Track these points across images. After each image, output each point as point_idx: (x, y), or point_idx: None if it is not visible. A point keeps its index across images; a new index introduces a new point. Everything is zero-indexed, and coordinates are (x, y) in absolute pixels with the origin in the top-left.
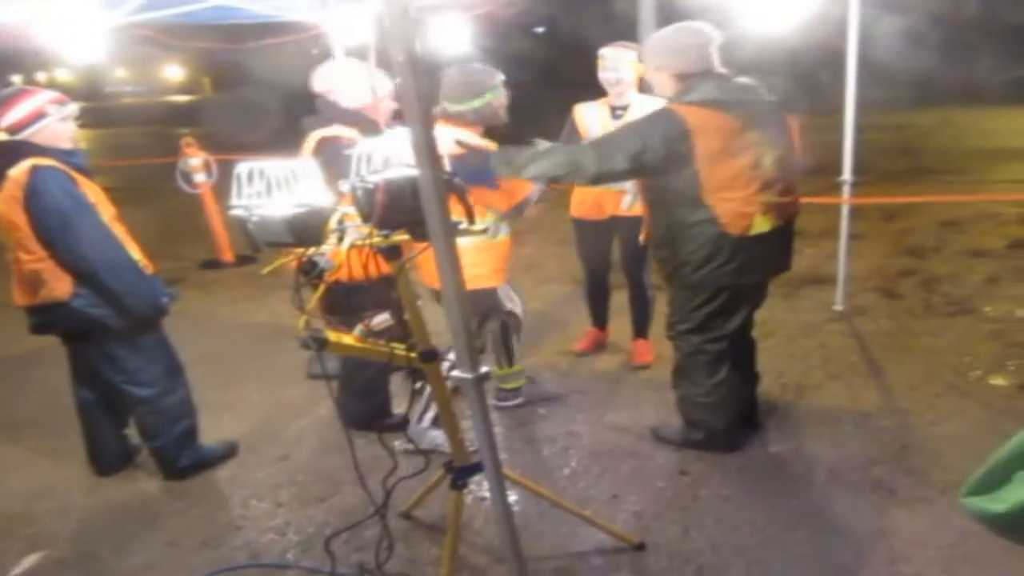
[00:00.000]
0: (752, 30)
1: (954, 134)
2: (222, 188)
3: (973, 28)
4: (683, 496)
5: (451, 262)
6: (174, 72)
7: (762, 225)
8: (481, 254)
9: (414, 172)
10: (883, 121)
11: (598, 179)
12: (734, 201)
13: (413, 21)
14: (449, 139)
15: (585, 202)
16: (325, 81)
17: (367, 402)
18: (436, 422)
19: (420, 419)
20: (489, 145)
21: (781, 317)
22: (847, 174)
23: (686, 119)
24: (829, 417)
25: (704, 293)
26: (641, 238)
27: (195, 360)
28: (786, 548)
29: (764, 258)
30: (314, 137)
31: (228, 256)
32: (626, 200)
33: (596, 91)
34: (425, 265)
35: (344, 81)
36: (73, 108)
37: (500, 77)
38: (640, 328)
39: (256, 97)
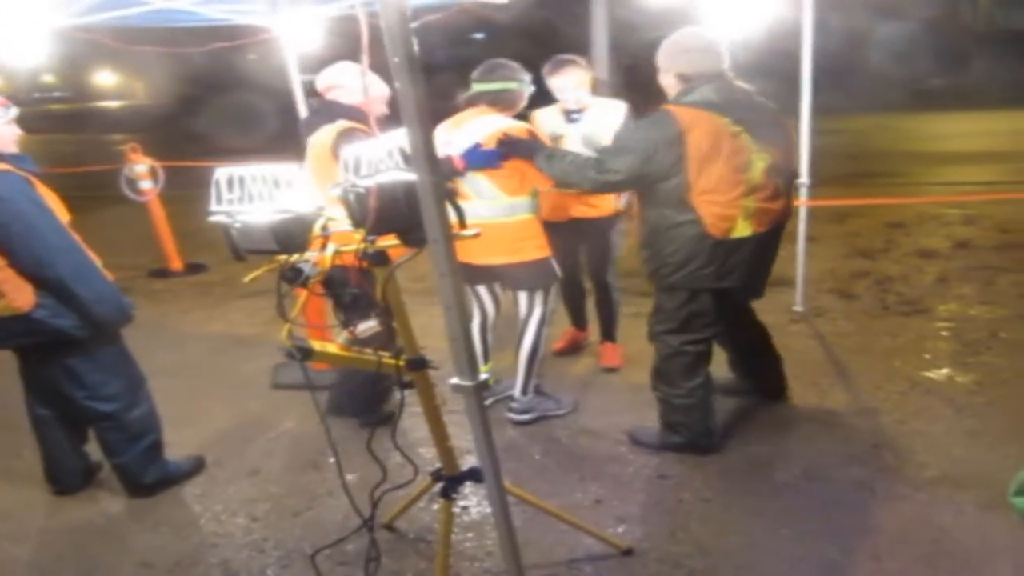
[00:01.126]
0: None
1: (895, 138)
2: (171, 195)
3: (916, 34)
4: (666, 500)
5: (451, 268)
6: (105, 77)
7: (743, 229)
8: (532, 227)
9: (406, 176)
10: (826, 125)
11: (602, 189)
12: (718, 204)
13: (411, 23)
14: (496, 125)
15: (549, 204)
16: (327, 79)
17: (366, 388)
18: (539, 389)
19: (524, 389)
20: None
21: None
22: (804, 177)
23: (680, 119)
24: (801, 418)
25: (683, 294)
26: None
27: (152, 373)
28: (773, 549)
29: (744, 263)
30: (335, 128)
31: (177, 265)
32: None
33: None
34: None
35: (345, 79)
36: (15, 111)
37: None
38: (607, 331)
39: (194, 102)
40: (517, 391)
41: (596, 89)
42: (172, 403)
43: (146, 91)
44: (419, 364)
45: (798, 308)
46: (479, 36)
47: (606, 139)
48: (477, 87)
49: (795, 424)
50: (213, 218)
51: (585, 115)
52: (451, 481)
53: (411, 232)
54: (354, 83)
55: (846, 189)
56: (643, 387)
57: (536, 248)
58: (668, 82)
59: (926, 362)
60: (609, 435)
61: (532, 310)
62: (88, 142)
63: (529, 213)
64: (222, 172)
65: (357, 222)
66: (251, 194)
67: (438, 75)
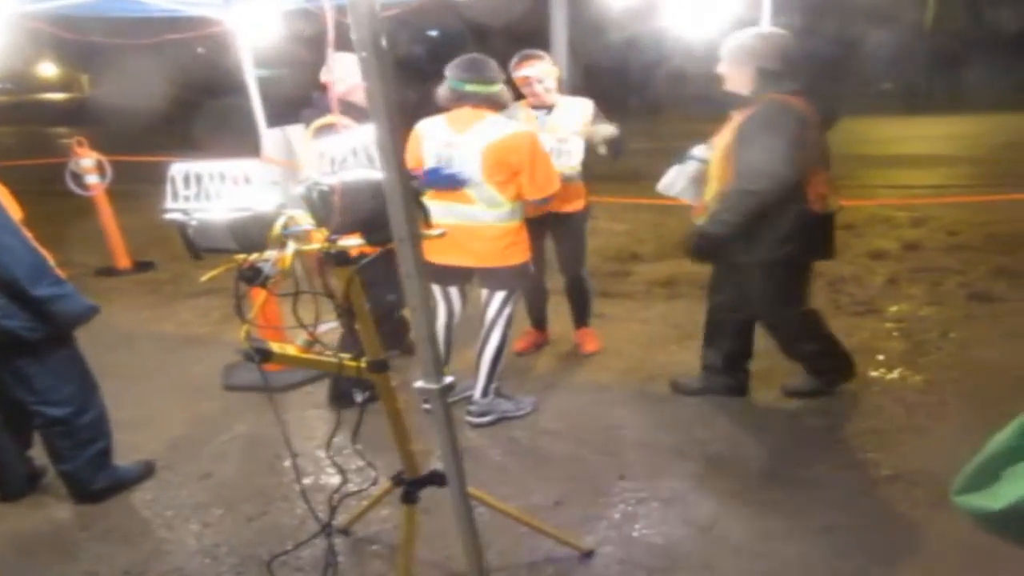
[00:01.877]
0: (667, 34)
1: (846, 141)
2: (118, 190)
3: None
4: (626, 501)
5: (417, 268)
6: (47, 69)
7: (834, 204)
8: (523, 231)
9: (372, 174)
10: None
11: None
12: (819, 183)
13: (381, 18)
14: (505, 130)
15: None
16: (327, 72)
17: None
18: (499, 391)
19: (485, 392)
20: None
21: (700, 319)
22: None
23: (797, 106)
24: (760, 417)
25: (786, 270)
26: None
27: (100, 374)
28: (735, 549)
29: (830, 234)
30: (314, 126)
31: (125, 262)
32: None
33: None
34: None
35: (338, 71)
36: None
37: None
38: (582, 317)
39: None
40: (477, 393)
41: (558, 88)
42: (122, 405)
43: (91, 83)
44: (381, 366)
45: None
46: (432, 33)
47: (574, 136)
48: (471, 87)
49: (754, 424)
50: (168, 216)
51: (553, 112)
52: (413, 485)
53: (376, 231)
54: (341, 74)
55: None
56: (604, 386)
57: (523, 252)
58: (741, 76)
59: (878, 362)
60: (570, 435)
61: (502, 311)
62: (31, 134)
63: (522, 218)
64: (177, 168)
65: (320, 221)
66: (208, 191)
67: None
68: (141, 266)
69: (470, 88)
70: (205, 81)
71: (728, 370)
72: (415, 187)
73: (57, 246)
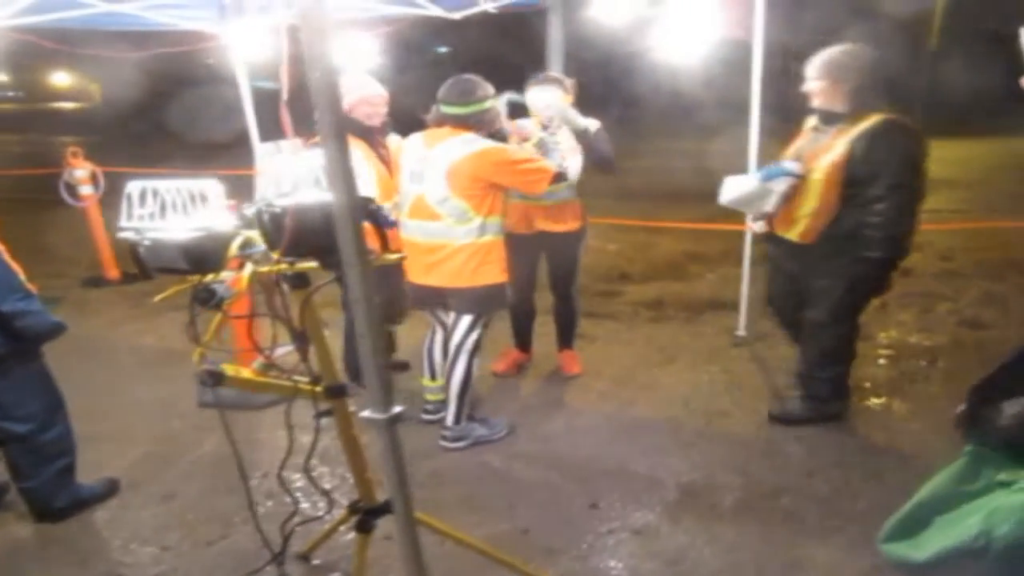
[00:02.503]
0: (662, 56)
1: None
2: (111, 202)
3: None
4: (596, 530)
5: (366, 295)
6: (60, 78)
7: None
8: (491, 250)
9: (326, 197)
10: (768, 151)
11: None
12: None
13: (331, 37)
14: (471, 147)
15: (513, 216)
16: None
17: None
18: (473, 415)
19: (457, 418)
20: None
21: (684, 342)
22: None
23: (911, 124)
24: (737, 444)
25: (882, 266)
26: (804, 239)
27: (74, 388)
28: None
29: None
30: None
31: (113, 273)
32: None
33: None
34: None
35: (343, 86)
36: None
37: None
38: (567, 338)
39: (152, 106)
40: (449, 419)
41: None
42: (91, 420)
43: (102, 94)
44: (338, 391)
45: (740, 332)
46: (444, 50)
47: (573, 153)
48: (448, 110)
49: (731, 452)
50: (122, 234)
51: (561, 133)
52: (368, 514)
53: (330, 255)
54: (343, 90)
55: None
56: (582, 410)
57: (497, 272)
58: (833, 92)
59: (865, 389)
60: (543, 460)
61: (468, 336)
62: (37, 143)
63: (498, 234)
64: (134, 185)
65: (272, 243)
66: (166, 209)
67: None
68: (130, 277)
69: (447, 110)
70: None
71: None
72: (371, 210)
73: (47, 256)
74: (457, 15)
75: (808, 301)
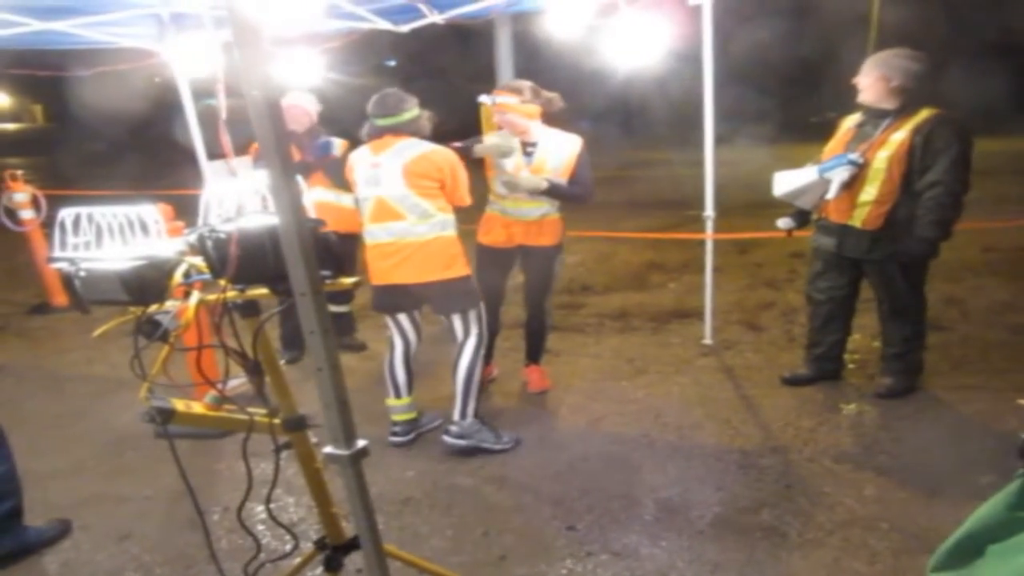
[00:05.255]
0: (615, 65)
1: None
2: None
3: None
4: (574, 555)
5: (321, 325)
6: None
7: None
8: (458, 244)
9: (273, 220)
10: (726, 157)
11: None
12: None
13: (268, 54)
14: (420, 148)
15: (493, 230)
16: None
17: None
18: (478, 416)
19: (464, 415)
20: None
21: (652, 353)
22: (709, 209)
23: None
24: (712, 457)
25: (931, 250)
26: (867, 225)
27: (20, 422)
28: None
29: None
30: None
31: (60, 300)
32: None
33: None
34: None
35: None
36: None
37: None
38: (535, 353)
39: (99, 127)
40: (456, 414)
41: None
42: (39, 455)
43: (45, 114)
44: (297, 424)
45: (707, 341)
46: (391, 63)
47: (560, 169)
48: (382, 122)
49: (706, 464)
50: (55, 265)
51: (538, 147)
52: (336, 551)
53: (281, 281)
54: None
55: (747, 220)
56: (552, 427)
57: (465, 265)
58: (881, 89)
59: (833, 397)
60: (516, 482)
61: (469, 331)
62: None
63: (455, 231)
64: (67, 212)
65: (216, 271)
66: (102, 236)
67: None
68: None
69: (380, 122)
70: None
71: (837, 358)
72: (323, 234)
73: None
74: (405, 28)
75: (877, 286)
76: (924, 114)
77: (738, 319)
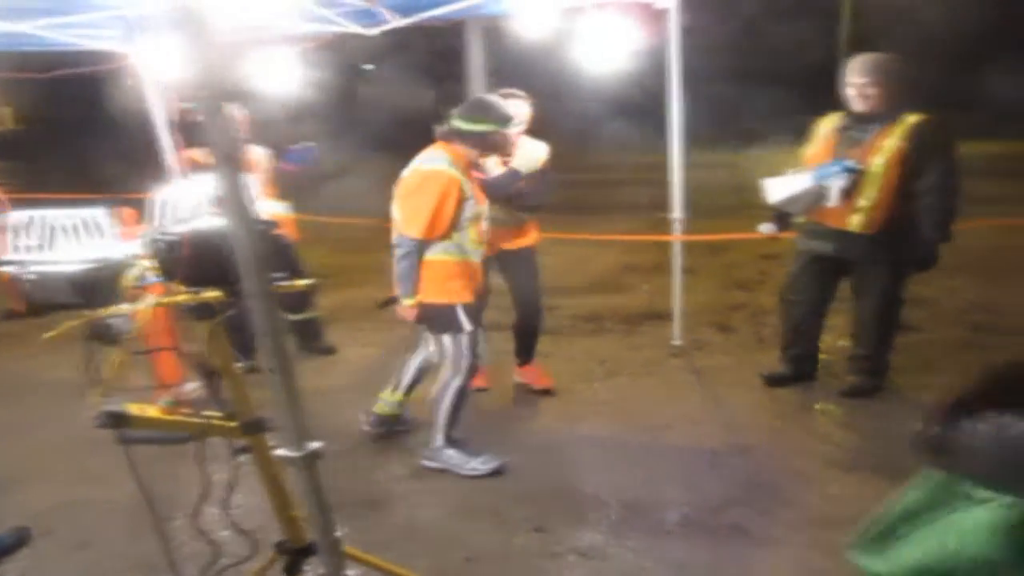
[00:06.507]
0: (583, 67)
1: (768, 172)
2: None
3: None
4: (541, 555)
5: (273, 326)
6: None
7: None
8: (437, 268)
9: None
10: (700, 159)
11: None
12: None
13: (221, 55)
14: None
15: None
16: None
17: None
18: (451, 440)
19: (435, 438)
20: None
21: (624, 355)
22: (677, 211)
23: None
24: (681, 457)
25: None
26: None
27: None
28: None
29: None
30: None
31: (22, 305)
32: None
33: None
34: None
35: None
36: None
37: (511, 116)
38: (530, 352)
39: (71, 129)
40: (431, 437)
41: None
42: (2, 463)
43: (14, 117)
44: (255, 427)
45: (677, 342)
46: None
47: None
48: (461, 124)
49: (675, 464)
50: (3, 268)
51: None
52: (296, 555)
53: (235, 283)
54: None
55: (720, 222)
56: (524, 430)
57: (444, 292)
58: (878, 97)
59: (800, 398)
60: (485, 482)
61: (442, 356)
62: None
63: (441, 254)
64: (17, 216)
65: (168, 273)
66: (53, 240)
67: None
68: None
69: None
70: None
71: (814, 358)
72: (276, 238)
73: None
74: (374, 31)
75: (861, 288)
76: (912, 119)
77: (709, 320)
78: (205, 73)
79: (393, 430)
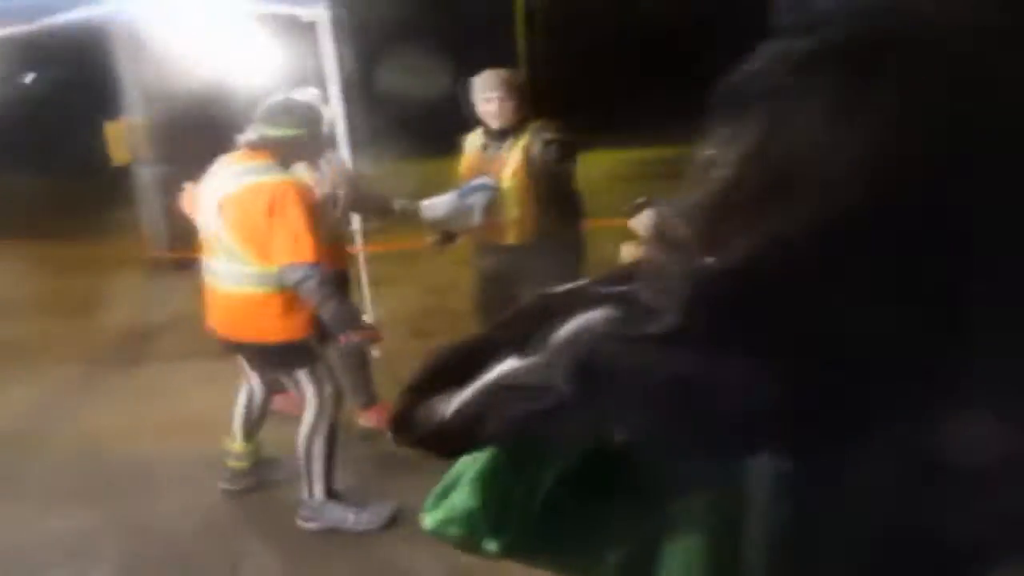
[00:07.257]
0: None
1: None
2: None
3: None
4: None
5: None
6: None
7: None
8: (274, 303)
9: None
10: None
11: None
12: None
13: None
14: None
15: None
16: None
17: None
18: (331, 492)
19: (311, 493)
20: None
21: None
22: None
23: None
24: None
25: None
26: (520, 241)
27: None
28: None
29: None
30: None
31: None
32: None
33: None
34: None
35: None
36: None
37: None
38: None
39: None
40: (303, 491)
41: None
42: None
43: None
44: None
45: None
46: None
47: None
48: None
49: None
50: None
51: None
52: None
53: None
54: None
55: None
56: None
57: (285, 328)
58: (509, 111)
59: None
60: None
61: (304, 394)
62: None
63: (275, 288)
64: None
65: None
66: None
67: None
68: None
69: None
70: None
71: None
72: None
73: None
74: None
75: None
76: (531, 127)
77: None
78: None
79: (261, 479)
